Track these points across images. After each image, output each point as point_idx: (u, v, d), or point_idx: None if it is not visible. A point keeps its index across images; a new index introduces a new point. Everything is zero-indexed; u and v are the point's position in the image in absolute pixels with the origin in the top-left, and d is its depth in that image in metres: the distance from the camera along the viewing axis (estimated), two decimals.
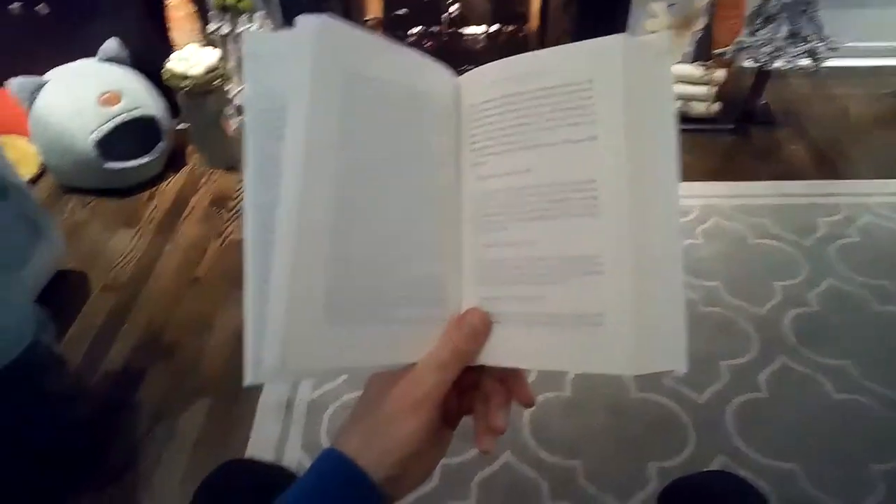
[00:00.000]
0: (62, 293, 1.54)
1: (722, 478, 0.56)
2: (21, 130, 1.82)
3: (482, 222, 0.40)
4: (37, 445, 1.16)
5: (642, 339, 0.36)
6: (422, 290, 0.39)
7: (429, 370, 0.37)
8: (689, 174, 1.88)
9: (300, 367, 0.33)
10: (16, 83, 1.68)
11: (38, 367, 1.07)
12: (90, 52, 1.80)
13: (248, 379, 0.34)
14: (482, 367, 0.39)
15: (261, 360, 0.33)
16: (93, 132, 1.70)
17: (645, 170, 0.37)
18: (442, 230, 0.40)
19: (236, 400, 1.32)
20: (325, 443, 1.21)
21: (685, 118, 2.07)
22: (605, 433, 1.20)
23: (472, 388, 0.41)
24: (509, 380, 0.41)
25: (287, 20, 2.09)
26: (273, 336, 0.32)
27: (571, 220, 0.37)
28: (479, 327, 0.38)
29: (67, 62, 1.78)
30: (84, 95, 1.70)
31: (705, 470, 0.50)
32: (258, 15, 1.97)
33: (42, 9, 1.83)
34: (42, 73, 1.74)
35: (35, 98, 1.70)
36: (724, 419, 1.21)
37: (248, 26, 1.96)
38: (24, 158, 1.88)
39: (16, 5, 1.81)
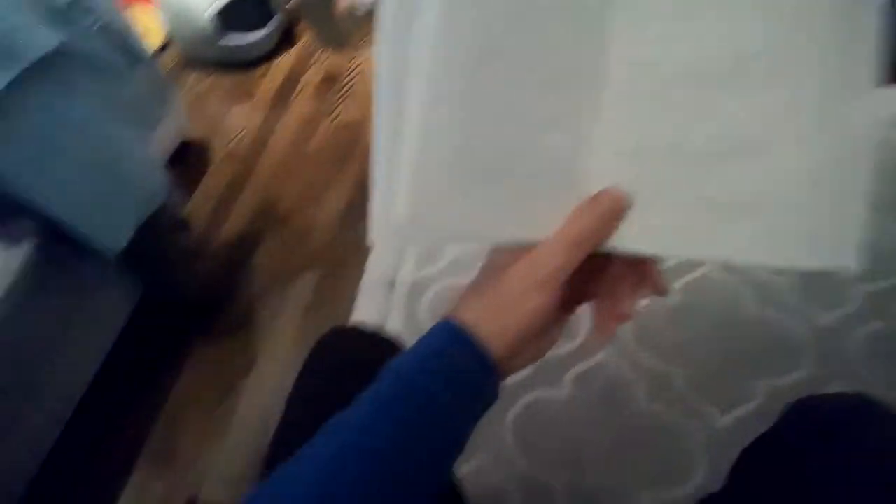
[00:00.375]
0: (187, 161, 1.63)
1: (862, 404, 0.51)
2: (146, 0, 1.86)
3: (632, 93, 0.35)
4: (163, 298, 1.28)
5: (812, 232, 0.32)
6: (556, 161, 0.35)
7: (557, 248, 0.34)
8: None
9: (425, 229, 0.33)
10: None
11: (166, 228, 1.15)
12: None
13: (372, 236, 0.33)
14: (609, 252, 0.36)
15: (386, 218, 0.32)
16: (211, 4, 1.71)
17: (839, 47, 0.31)
18: (583, 100, 0.36)
19: (342, 274, 1.37)
20: (425, 323, 1.25)
21: None
22: (713, 344, 1.14)
23: (596, 273, 0.38)
24: (641, 266, 0.37)
25: None
26: (401, 195, 0.32)
27: (744, 93, 0.32)
28: (617, 207, 0.34)
29: None
30: None
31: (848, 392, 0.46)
32: None
33: None
34: None
35: None
36: (849, 346, 1.12)
37: None
38: (150, 30, 1.94)
39: None
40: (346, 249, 1.42)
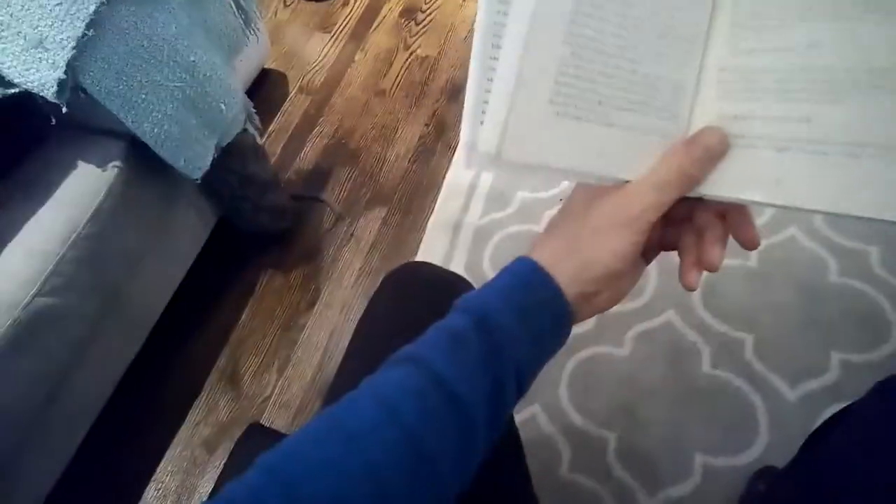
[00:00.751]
0: (265, 89, 1.65)
1: None
2: None
3: (740, 22, 0.33)
4: (237, 225, 1.32)
5: None
6: (653, 97, 0.34)
7: (647, 188, 0.33)
8: None
9: (514, 157, 0.32)
10: None
11: (245, 154, 1.18)
12: None
13: (462, 163, 0.33)
14: (698, 199, 0.35)
15: (476, 144, 0.32)
16: None
17: None
18: (688, 33, 0.34)
19: (410, 212, 1.38)
20: (488, 270, 1.25)
21: None
22: (788, 312, 1.09)
23: (681, 221, 0.37)
24: (731, 214, 0.35)
25: None
26: (492, 121, 0.31)
27: (863, 18, 0.29)
28: (715, 149, 0.33)
29: None
30: None
31: None
32: None
33: None
34: None
35: None
36: None
37: None
38: None
39: None
40: (414, 188, 1.42)
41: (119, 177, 0.99)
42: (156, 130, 0.95)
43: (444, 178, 1.41)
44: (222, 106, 1.04)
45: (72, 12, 0.82)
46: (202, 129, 1.02)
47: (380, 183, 1.45)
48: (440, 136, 1.50)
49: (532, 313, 0.34)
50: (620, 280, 0.36)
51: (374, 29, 1.78)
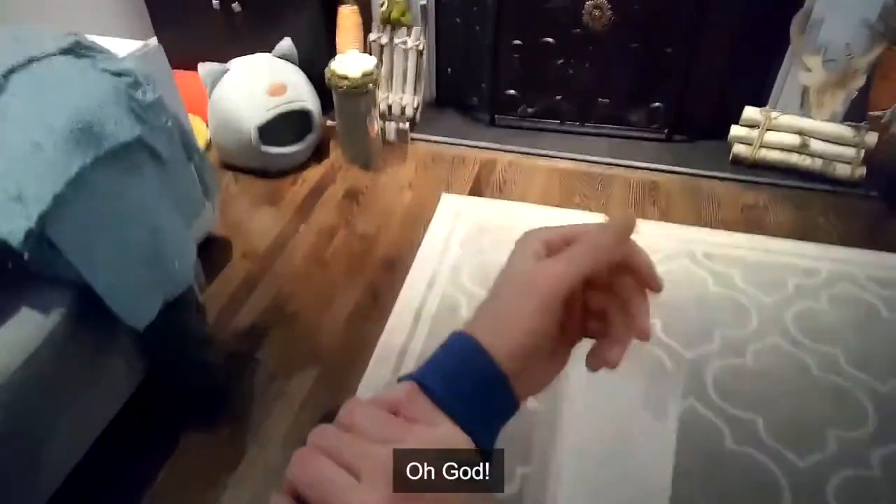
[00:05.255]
0: (209, 254, 1.74)
1: None
2: (198, 111, 2.07)
3: None
4: (167, 379, 1.32)
5: None
6: None
7: (557, 261, 0.35)
8: (822, 236, 1.80)
9: None
10: (204, 68, 1.94)
11: (187, 309, 1.23)
12: (268, 47, 2.03)
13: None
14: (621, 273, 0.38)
15: None
16: (257, 117, 1.91)
17: None
18: None
19: (343, 373, 1.43)
20: None
21: (827, 179, 1.98)
22: (692, 479, 1.18)
23: (595, 312, 0.39)
24: (631, 310, 0.37)
25: (440, 38, 2.24)
26: None
27: None
28: (629, 227, 0.36)
29: (248, 54, 2.02)
30: (257, 85, 1.92)
31: None
32: (416, 30, 2.13)
33: (236, 7, 2.09)
34: (226, 61, 1.99)
35: (217, 82, 1.94)
36: (826, 490, 1.15)
37: (404, 39, 2.13)
38: (196, 133, 2.14)
39: (216, 2, 2.08)
40: (348, 352, 1.48)
41: (60, 324, 1.01)
42: (111, 283, 1.01)
43: (377, 341, 1.49)
44: (176, 263, 1.11)
45: (54, 172, 0.91)
46: (153, 282, 1.08)
47: (315, 345, 1.50)
48: (375, 303, 1.61)
49: (471, 386, 0.34)
50: (547, 358, 0.37)
51: (319, 206, 1.96)
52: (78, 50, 1.04)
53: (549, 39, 2.13)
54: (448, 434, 0.31)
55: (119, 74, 1.06)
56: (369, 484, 0.27)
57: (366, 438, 0.30)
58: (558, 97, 2.25)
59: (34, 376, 0.96)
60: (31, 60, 0.97)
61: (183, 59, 1.81)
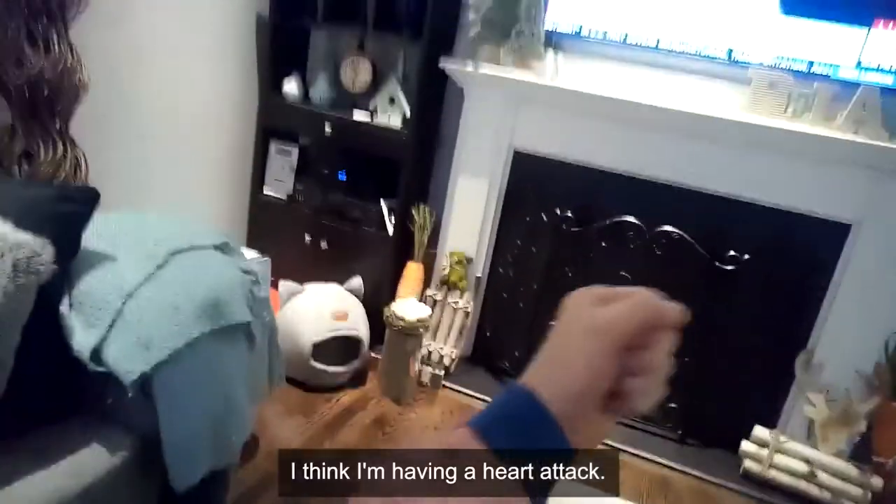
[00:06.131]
0: None
1: None
2: None
3: None
4: None
5: None
6: None
7: (621, 305, 0.38)
8: None
9: None
10: (284, 285, 2.25)
11: (220, 484, 1.30)
12: (341, 279, 2.37)
13: None
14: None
15: None
16: (317, 335, 2.14)
17: None
18: None
19: None
20: None
21: None
22: None
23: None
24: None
25: (486, 304, 2.56)
26: None
27: None
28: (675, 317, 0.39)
29: (323, 282, 2.34)
30: (324, 308, 2.20)
31: None
32: (467, 294, 2.47)
33: (323, 245, 2.50)
34: (303, 283, 2.31)
35: (291, 298, 2.23)
36: None
37: (456, 300, 2.45)
38: None
39: (308, 238, 2.50)
40: None
41: (120, 465, 1.11)
42: (179, 438, 1.12)
43: None
44: (234, 438, 1.23)
45: (180, 332, 1.11)
46: (209, 450, 1.19)
47: None
48: None
49: (515, 421, 0.36)
50: (595, 411, 0.37)
51: (347, 427, 2.06)
52: (225, 248, 1.32)
53: None
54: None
55: (246, 272, 1.32)
56: None
57: None
58: None
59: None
60: (192, 248, 1.25)
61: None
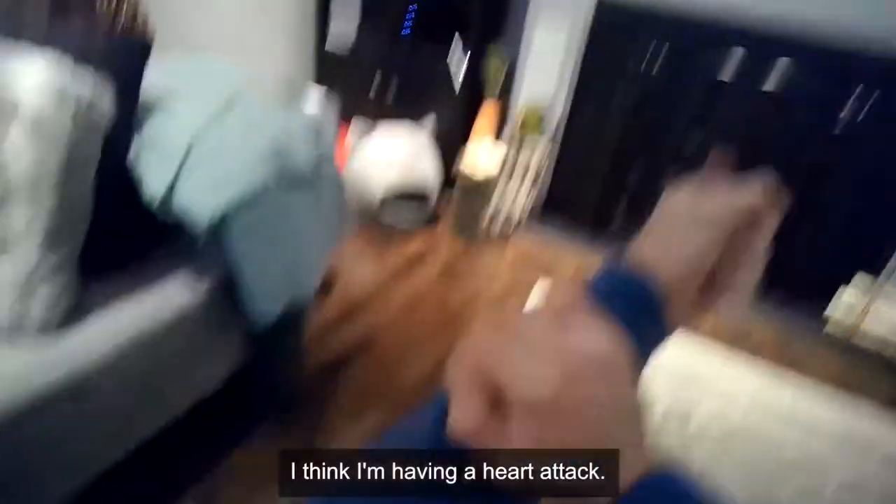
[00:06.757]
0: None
1: None
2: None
3: None
4: (253, 381, 1.41)
5: None
6: None
7: (729, 196, 0.39)
8: None
9: None
10: (357, 122, 2.19)
11: (297, 321, 1.36)
12: (416, 117, 2.27)
13: None
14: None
15: None
16: (384, 190, 2.12)
17: None
18: None
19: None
20: None
21: None
22: None
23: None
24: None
25: (563, 150, 2.42)
26: None
27: None
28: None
29: (396, 119, 2.27)
30: (394, 158, 2.15)
31: None
32: (545, 137, 2.33)
33: (392, 87, 2.38)
34: (375, 121, 2.24)
35: (363, 139, 2.19)
36: None
37: (534, 144, 2.32)
38: None
39: (375, 84, 2.39)
40: (423, 399, 1.54)
41: (204, 297, 1.14)
42: (257, 279, 1.15)
43: None
44: (308, 279, 1.26)
45: (251, 173, 1.08)
46: (286, 290, 1.22)
47: (392, 384, 1.59)
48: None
49: (626, 290, 0.37)
50: (693, 295, 0.39)
51: (420, 265, 2.10)
52: (292, 88, 1.25)
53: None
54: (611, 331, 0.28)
55: (312, 118, 1.26)
56: (548, 363, 0.26)
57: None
58: None
59: (173, 335, 1.09)
60: (254, 92, 1.19)
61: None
